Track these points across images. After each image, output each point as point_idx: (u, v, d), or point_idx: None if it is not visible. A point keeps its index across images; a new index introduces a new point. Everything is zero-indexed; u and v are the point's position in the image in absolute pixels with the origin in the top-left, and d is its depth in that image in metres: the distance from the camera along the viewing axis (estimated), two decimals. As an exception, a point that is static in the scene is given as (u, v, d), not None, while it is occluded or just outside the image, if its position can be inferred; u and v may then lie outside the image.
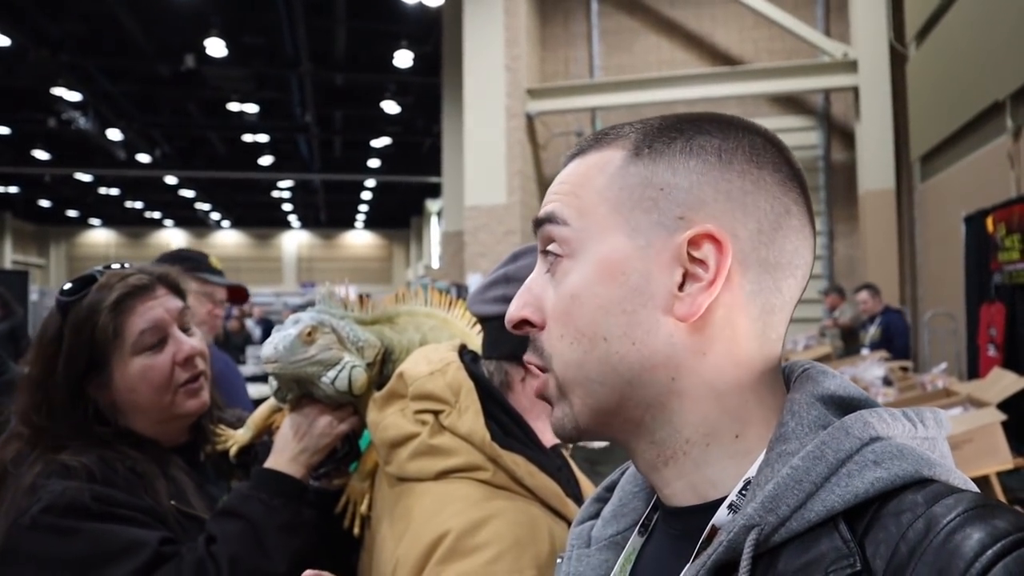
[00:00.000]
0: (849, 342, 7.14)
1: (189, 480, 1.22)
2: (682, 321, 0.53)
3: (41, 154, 18.16)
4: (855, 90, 8.46)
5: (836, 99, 9.52)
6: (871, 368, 4.12)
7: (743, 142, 0.56)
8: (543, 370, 0.59)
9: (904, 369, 4.95)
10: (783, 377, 0.59)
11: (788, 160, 0.58)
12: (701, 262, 0.54)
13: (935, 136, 6.92)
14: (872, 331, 6.55)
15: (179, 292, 1.28)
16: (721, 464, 0.55)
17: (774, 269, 0.55)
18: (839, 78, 8.54)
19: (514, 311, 0.60)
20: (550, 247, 0.59)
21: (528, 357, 0.60)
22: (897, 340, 6.37)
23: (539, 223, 0.60)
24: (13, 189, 22.92)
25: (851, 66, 8.41)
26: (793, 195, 0.57)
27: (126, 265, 1.26)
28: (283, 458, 1.17)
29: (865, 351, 6.13)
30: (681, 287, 0.54)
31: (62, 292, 1.20)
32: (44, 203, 25.37)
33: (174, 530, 1.10)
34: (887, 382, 4.09)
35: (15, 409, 1.19)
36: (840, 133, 9.57)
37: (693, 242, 0.53)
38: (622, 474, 0.71)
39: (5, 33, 11.00)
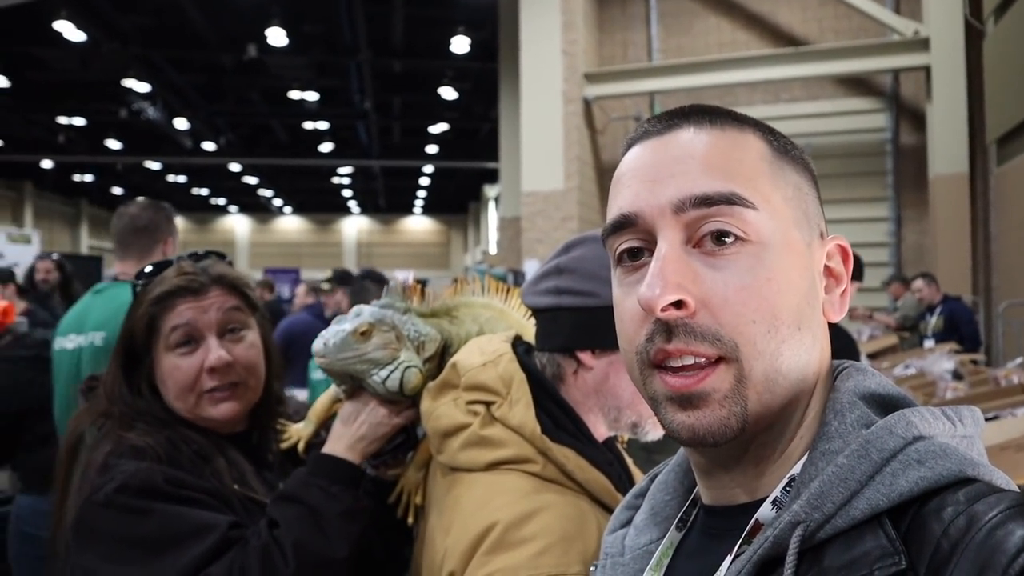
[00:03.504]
0: (911, 334, 6.85)
1: (248, 464, 1.24)
2: (831, 320, 0.58)
3: (113, 143, 18.87)
4: (927, 69, 8.11)
5: (906, 79, 9.14)
6: (939, 361, 3.93)
7: (806, 159, 0.61)
8: (711, 361, 0.52)
9: (975, 362, 4.73)
10: None
11: None
12: (830, 268, 0.59)
13: (1013, 117, 6.58)
14: (933, 321, 6.34)
15: (238, 293, 1.27)
16: (796, 459, 0.56)
17: None
18: (909, 57, 8.20)
19: (668, 292, 0.52)
20: (726, 225, 0.53)
21: (690, 345, 0.52)
22: (964, 328, 6.14)
23: (711, 201, 0.53)
24: (88, 177, 23.90)
25: (922, 44, 8.06)
26: None
27: (199, 252, 1.31)
28: (340, 445, 1.17)
29: (928, 342, 5.89)
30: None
31: (137, 275, 1.27)
32: (116, 190, 26.37)
33: (238, 513, 1.12)
34: (957, 376, 3.90)
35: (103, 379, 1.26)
36: (910, 115, 9.20)
37: (831, 250, 0.59)
38: (651, 480, 0.72)
39: (81, 29, 11.43)
